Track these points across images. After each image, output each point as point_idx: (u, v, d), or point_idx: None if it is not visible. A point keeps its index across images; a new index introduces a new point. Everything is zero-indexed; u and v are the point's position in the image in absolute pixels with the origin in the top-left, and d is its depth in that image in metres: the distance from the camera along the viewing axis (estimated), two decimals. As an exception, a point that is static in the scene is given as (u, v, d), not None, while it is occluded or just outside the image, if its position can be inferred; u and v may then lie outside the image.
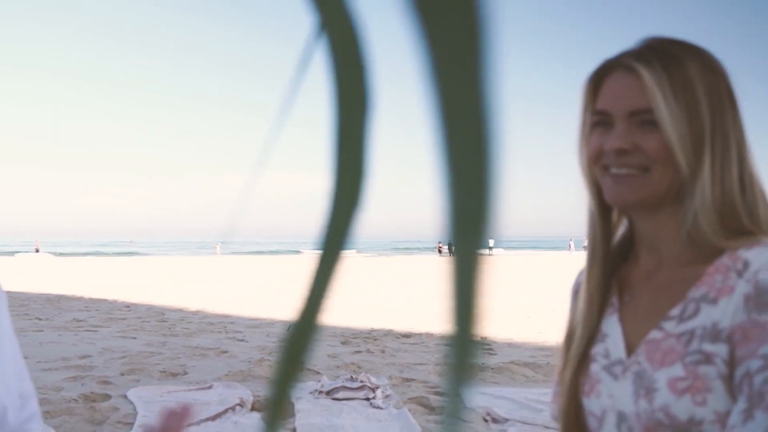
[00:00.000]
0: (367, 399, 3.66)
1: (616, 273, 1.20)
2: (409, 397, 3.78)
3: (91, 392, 3.93)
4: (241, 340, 6.21)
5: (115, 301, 10.17)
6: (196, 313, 8.65)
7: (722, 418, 1.00)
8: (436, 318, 7.88)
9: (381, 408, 3.51)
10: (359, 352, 5.45)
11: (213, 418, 3.29)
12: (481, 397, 3.60)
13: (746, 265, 1.01)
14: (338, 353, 5.33)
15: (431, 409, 3.56)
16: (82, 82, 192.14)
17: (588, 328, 1.20)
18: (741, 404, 0.96)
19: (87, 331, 6.85)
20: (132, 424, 3.28)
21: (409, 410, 3.49)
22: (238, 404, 3.52)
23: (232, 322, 7.54)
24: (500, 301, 9.73)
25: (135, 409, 3.55)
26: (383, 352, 5.49)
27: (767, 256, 1.00)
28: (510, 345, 5.85)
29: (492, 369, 4.70)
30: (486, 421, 3.33)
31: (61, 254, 40.41)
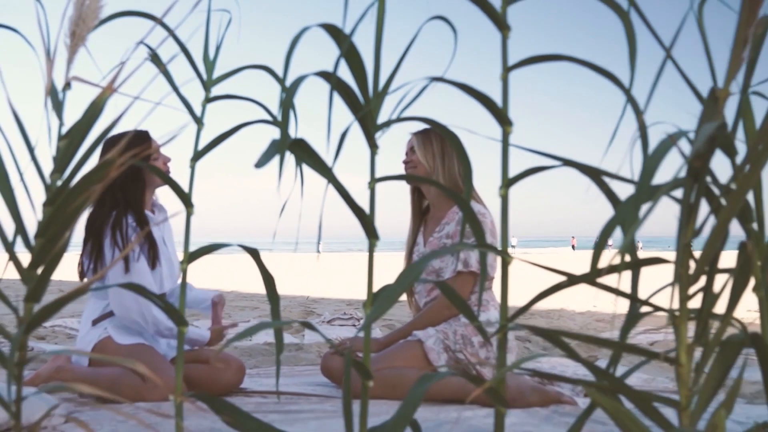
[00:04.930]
0: (353, 325, 5.38)
1: (424, 217, 2.90)
2: (382, 325, 5.50)
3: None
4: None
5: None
6: (230, 291, 10.44)
7: (448, 266, 2.68)
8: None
9: (361, 329, 5.23)
10: (357, 308, 7.18)
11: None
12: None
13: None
14: (340, 309, 7.08)
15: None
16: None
17: (411, 241, 2.89)
18: (452, 258, 2.67)
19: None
20: (198, 335, 5.06)
21: (380, 330, 5.20)
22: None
23: (263, 297, 9.33)
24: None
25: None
26: (375, 309, 7.21)
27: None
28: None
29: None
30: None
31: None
